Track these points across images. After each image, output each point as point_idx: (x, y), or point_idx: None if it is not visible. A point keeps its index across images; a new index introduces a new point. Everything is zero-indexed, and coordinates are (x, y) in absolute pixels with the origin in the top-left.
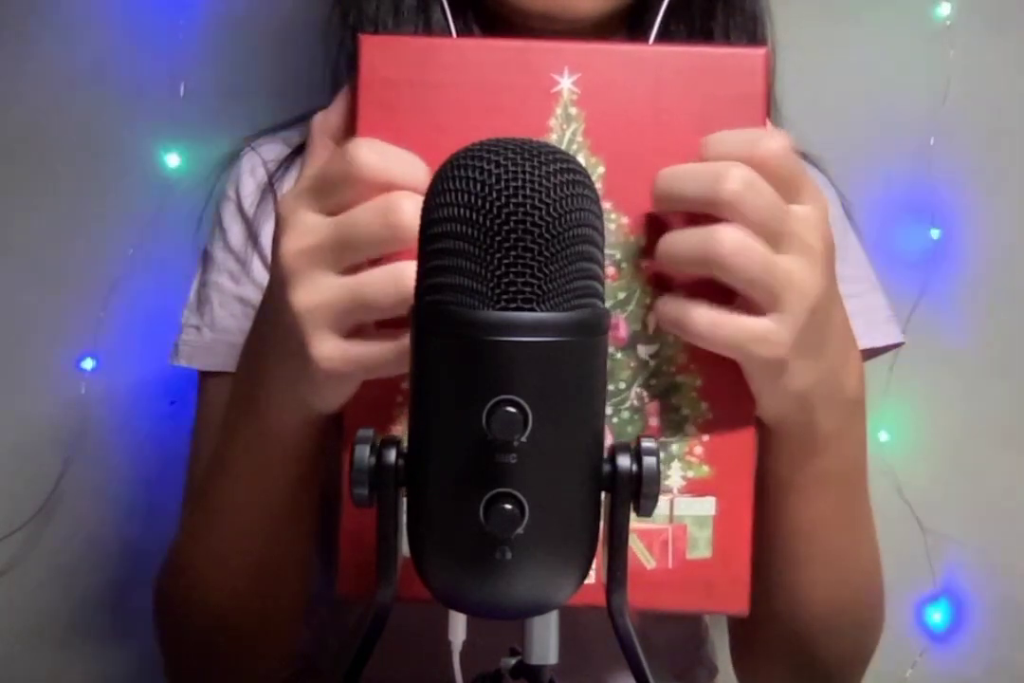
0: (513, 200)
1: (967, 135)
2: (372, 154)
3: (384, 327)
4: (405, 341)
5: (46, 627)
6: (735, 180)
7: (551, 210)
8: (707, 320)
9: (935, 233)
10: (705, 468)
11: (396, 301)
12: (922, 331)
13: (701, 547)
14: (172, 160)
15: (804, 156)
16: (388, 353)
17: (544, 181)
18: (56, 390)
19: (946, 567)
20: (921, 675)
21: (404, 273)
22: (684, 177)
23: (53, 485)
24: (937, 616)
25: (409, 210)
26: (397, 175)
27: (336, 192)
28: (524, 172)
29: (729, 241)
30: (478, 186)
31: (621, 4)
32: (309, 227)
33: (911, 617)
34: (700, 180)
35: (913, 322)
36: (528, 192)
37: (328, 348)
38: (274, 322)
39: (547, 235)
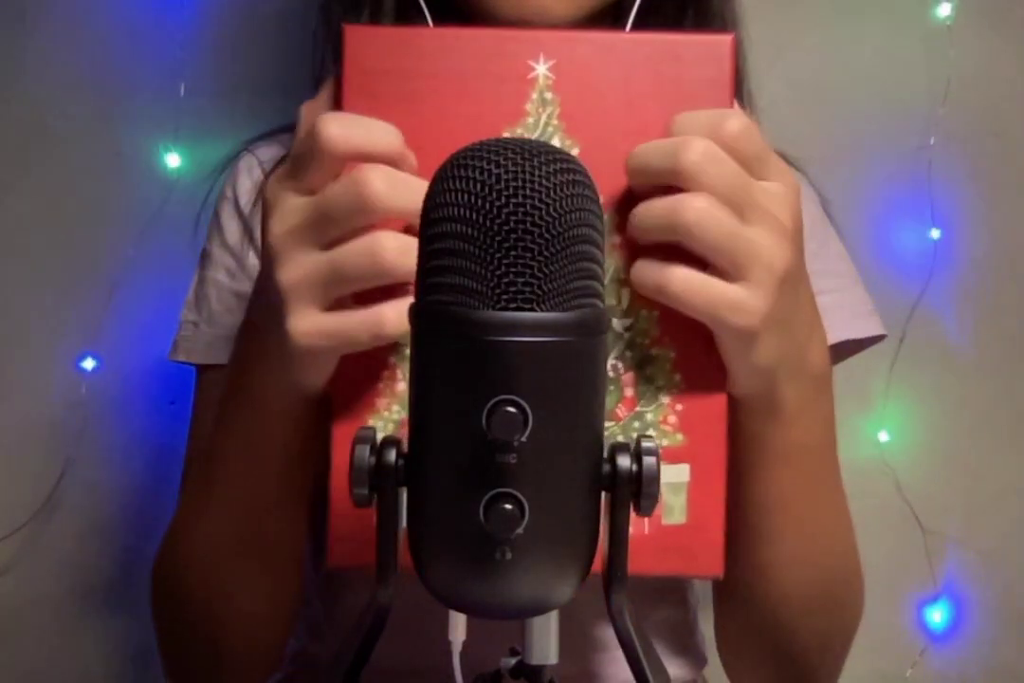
0: (513, 200)
1: (967, 135)
2: (336, 127)
3: (362, 302)
4: (376, 313)
5: (46, 626)
6: (695, 151)
7: (551, 210)
8: (682, 281)
9: (935, 233)
10: (679, 436)
11: (371, 271)
12: (922, 331)
13: (676, 513)
14: (172, 160)
15: (781, 156)
16: (359, 325)
17: (544, 181)
18: (56, 390)
19: (946, 567)
20: (921, 675)
21: (378, 243)
22: (651, 151)
23: (53, 485)
24: (937, 616)
25: (377, 180)
26: (362, 143)
27: (310, 170)
28: (524, 172)
29: (693, 208)
30: (478, 186)
31: (595, 9)
32: (291, 208)
33: (911, 617)
34: (664, 153)
35: (913, 322)
36: (528, 192)
37: (305, 323)
38: (262, 302)
39: (547, 235)
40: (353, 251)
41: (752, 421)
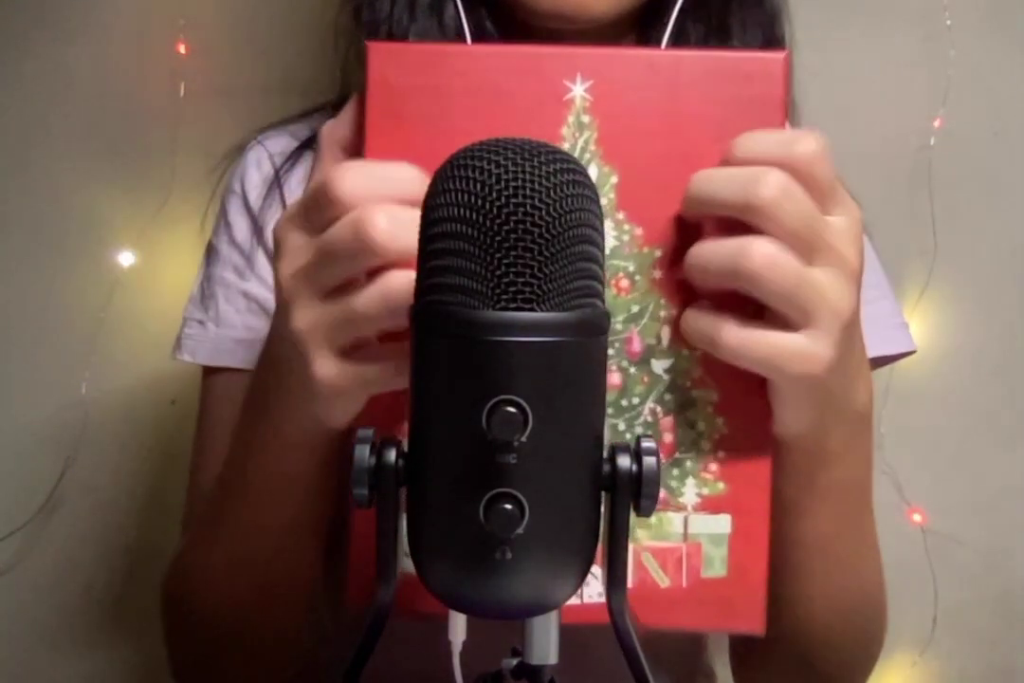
0: (513, 200)
1: (967, 135)
2: (350, 181)
3: (387, 340)
4: (402, 354)
5: (46, 627)
6: (771, 186)
7: (551, 210)
8: (738, 336)
9: (935, 233)
10: (720, 485)
11: (383, 314)
12: (922, 331)
13: (716, 565)
14: (172, 160)
15: None
16: (387, 368)
17: (544, 181)
18: (56, 390)
19: (946, 567)
20: (921, 674)
21: (390, 285)
22: (719, 181)
23: (53, 485)
24: (937, 615)
25: (380, 222)
26: (383, 196)
27: (321, 218)
28: (524, 172)
29: (760, 255)
30: (478, 186)
31: (633, 5)
32: (299, 249)
33: (911, 617)
34: (735, 184)
35: (913, 322)
36: (528, 192)
37: (328, 367)
38: (280, 342)
39: (547, 235)
40: (366, 294)
41: (793, 460)
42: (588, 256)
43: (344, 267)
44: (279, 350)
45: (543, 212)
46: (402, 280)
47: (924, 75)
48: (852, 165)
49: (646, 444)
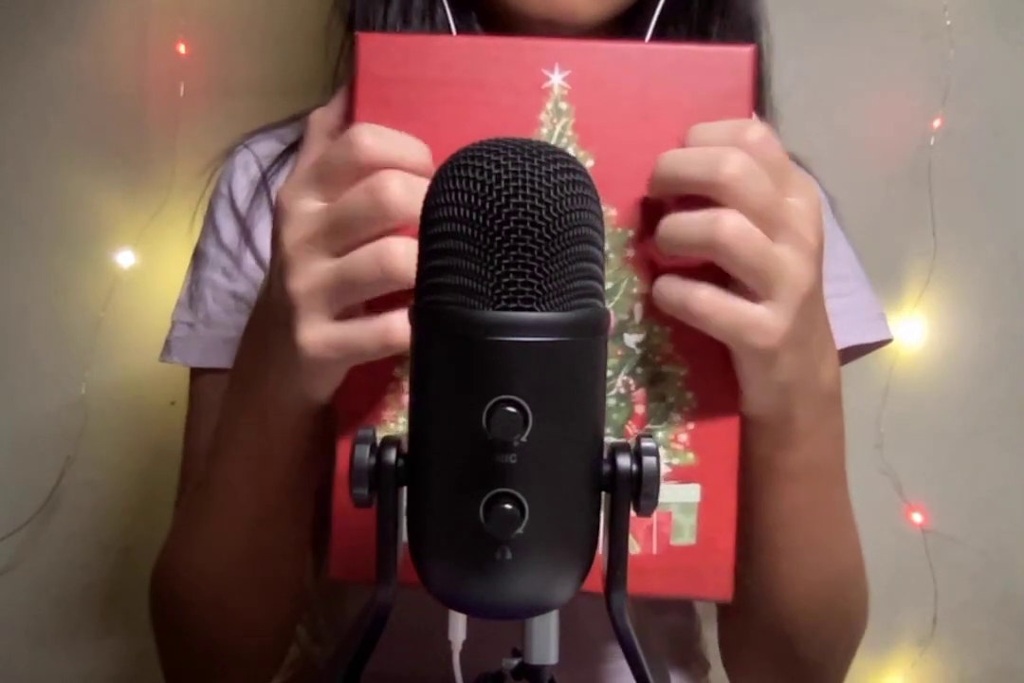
0: (513, 200)
1: (967, 135)
2: (373, 137)
3: (372, 313)
4: (385, 324)
5: (46, 626)
6: (734, 164)
7: (551, 210)
8: (707, 301)
9: (935, 233)
10: (690, 455)
11: (380, 277)
12: (922, 331)
13: (686, 533)
14: (171, 160)
15: (791, 157)
16: (367, 335)
17: (544, 181)
18: (56, 390)
19: (946, 567)
20: (921, 674)
21: (387, 249)
22: (685, 160)
23: (53, 485)
24: (937, 615)
25: (396, 186)
26: (398, 156)
27: (338, 178)
28: (524, 172)
29: (732, 225)
30: (478, 186)
31: (620, 9)
32: (308, 215)
33: (910, 616)
34: (700, 163)
35: (913, 322)
36: (528, 192)
37: (313, 332)
38: (271, 309)
39: (547, 235)
40: (362, 258)
41: (763, 440)
42: (588, 256)
43: (358, 231)
44: (266, 319)
45: (543, 212)
46: (399, 245)
47: (924, 75)
48: (852, 165)
49: (646, 444)
